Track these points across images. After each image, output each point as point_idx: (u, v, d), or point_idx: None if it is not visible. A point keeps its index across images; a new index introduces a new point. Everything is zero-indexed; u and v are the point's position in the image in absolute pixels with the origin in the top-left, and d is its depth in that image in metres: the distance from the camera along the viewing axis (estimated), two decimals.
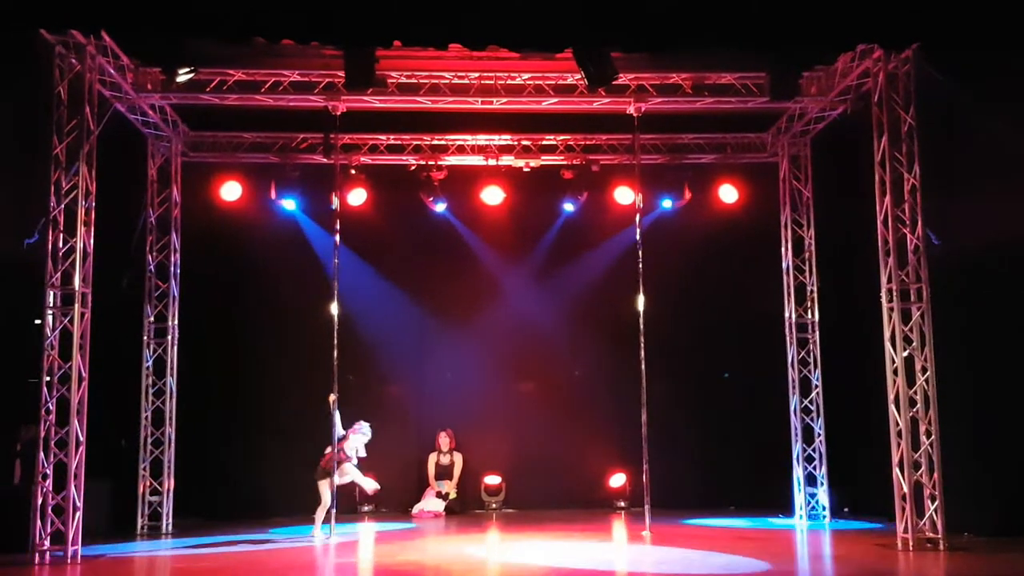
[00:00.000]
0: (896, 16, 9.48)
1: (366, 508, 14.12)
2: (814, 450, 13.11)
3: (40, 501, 9.65)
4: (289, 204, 13.97)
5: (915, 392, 10.14)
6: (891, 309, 10.34)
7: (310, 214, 14.07)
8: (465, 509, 14.33)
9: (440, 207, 14.16)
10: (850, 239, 12.33)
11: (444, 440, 14.44)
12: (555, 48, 10.38)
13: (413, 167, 13.88)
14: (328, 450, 11.36)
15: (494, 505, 14.53)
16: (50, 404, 9.85)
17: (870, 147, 10.67)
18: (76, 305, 9.99)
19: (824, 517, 12.81)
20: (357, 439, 11.53)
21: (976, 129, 10.16)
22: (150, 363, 12.79)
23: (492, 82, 11.66)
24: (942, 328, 10.19)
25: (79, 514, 9.79)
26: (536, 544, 10.97)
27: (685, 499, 13.64)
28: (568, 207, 14.23)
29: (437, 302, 14.78)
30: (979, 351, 10.52)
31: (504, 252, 14.98)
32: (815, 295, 13.38)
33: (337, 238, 11.84)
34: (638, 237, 11.87)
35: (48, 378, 9.89)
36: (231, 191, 13.86)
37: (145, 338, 12.79)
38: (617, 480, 14.51)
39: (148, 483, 12.51)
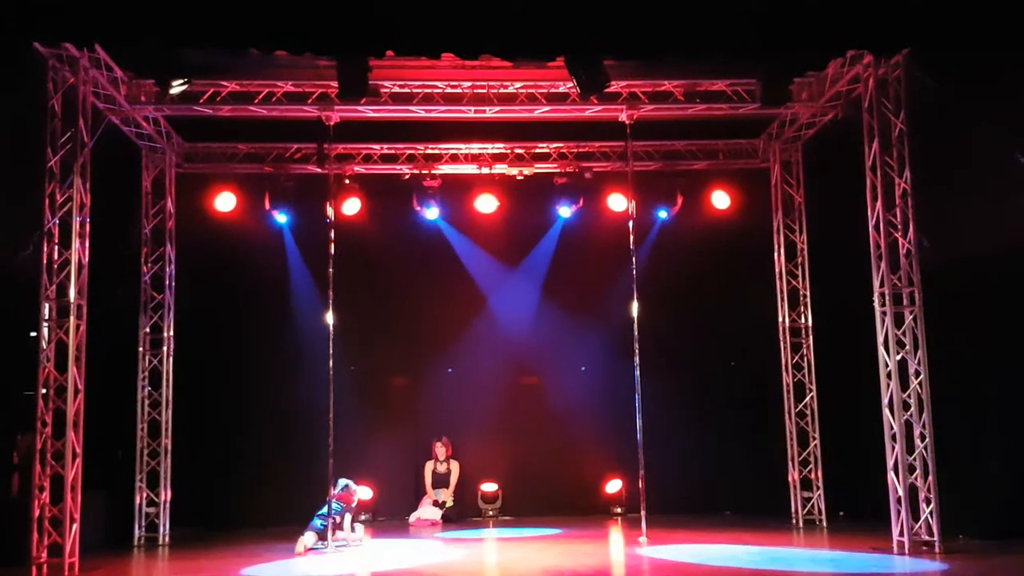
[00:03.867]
0: (886, 21, 9.56)
1: (363, 517, 14.11)
2: (809, 454, 13.15)
3: (37, 513, 9.64)
4: (281, 218, 13.99)
5: (909, 395, 10.19)
6: (884, 313, 10.39)
7: (304, 223, 14.07)
8: (462, 517, 14.34)
9: (433, 213, 14.15)
10: (842, 243, 12.38)
11: (440, 449, 14.46)
12: (547, 57, 10.46)
13: (407, 176, 13.93)
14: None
15: (491, 513, 14.54)
16: (46, 416, 9.85)
17: (861, 152, 10.73)
18: (71, 317, 10.00)
19: (820, 521, 12.86)
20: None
21: (967, 133, 10.22)
22: (146, 374, 12.79)
23: (485, 91, 11.72)
24: (935, 331, 10.25)
25: (76, 526, 9.79)
26: (533, 550, 10.99)
27: (681, 504, 13.67)
28: (564, 212, 14.26)
29: (433, 310, 14.80)
30: (972, 353, 10.58)
31: (498, 260, 15.03)
32: (808, 299, 13.45)
33: (332, 248, 11.84)
34: (631, 244, 11.91)
35: (44, 390, 9.89)
36: (225, 202, 13.86)
37: (140, 349, 12.79)
38: (613, 486, 14.54)
39: (145, 494, 12.51)
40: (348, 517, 11.55)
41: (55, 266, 10.11)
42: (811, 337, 13.39)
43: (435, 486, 14.42)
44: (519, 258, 15.04)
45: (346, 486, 11.68)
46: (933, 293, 10.29)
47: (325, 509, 11.27)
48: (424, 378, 14.92)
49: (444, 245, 14.73)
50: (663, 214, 14.39)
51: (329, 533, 11.08)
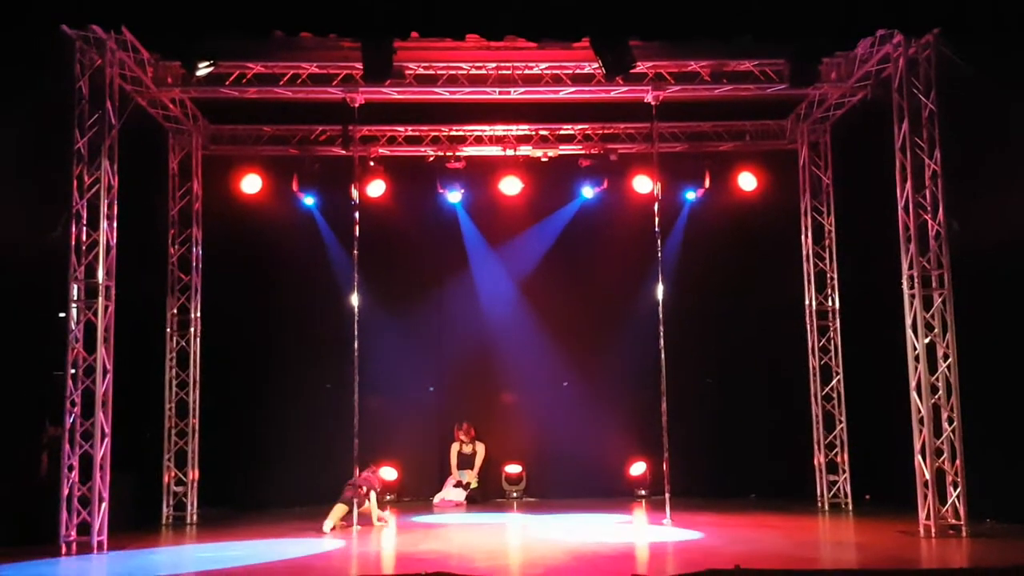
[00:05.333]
0: (916, 1, 9.42)
1: (388, 498, 14.18)
2: (835, 437, 13.09)
3: (67, 492, 9.78)
4: (309, 200, 14.05)
5: (937, 379, 10.10)
6: (912, 296, 10.30)
7: (329, 206, 14.11)
8: (486, 498, 14.39)
9: (455, 196, 14.16)
10: (871, 226, 12.26)
11: (461, 435, 14.48)
12: (572, 37, 10.39)
13: (431, 158, 13.92)
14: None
15: (515, 494, 14.58)
16: (75, 396, 9.97)
17: (891, 133, 10.61)
18: (100, 298, 10.09)
19: (846, 504, 12.80)
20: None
21: (998, 114, 10.05)
22: (173, 355, 12.90)
23: (510, 72, 11.68)
24: (964, 314, 10.14)
25: (105, 505, 9.91)
26: (557, 531, 11.02)
27: (706, 487, 13.63)
28: (587, 192, 14.22)
29: (458, 291, 14.82)
30: (1002, 337, 10.45)
31: (522, 242, 14.99)
32: (835, 282, 13.34)
33: (356, 230, 11.89)
34: (657, 227, 11.86)
35: (73, 371, 10.01)
36: (251, 184, 13.94)
37: (168, 330, 12.90)
38: (637, 468, 14.52)
39: (172, 474, 12.64)
40: (374, 497, 11.62)
41: (83, 247, 10.20)
42: (838, 320, 13.31)
43: (460, 467, 14.46)
44: (544, 239, 14.96)
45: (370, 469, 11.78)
46: (963, 276, 10.18)
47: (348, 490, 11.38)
48: (449, 359, 14.92)
49: (468, 226, 14.73)
50: (691, 195, 14.29)
51: (354, 514, 11.18)
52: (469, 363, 14.80)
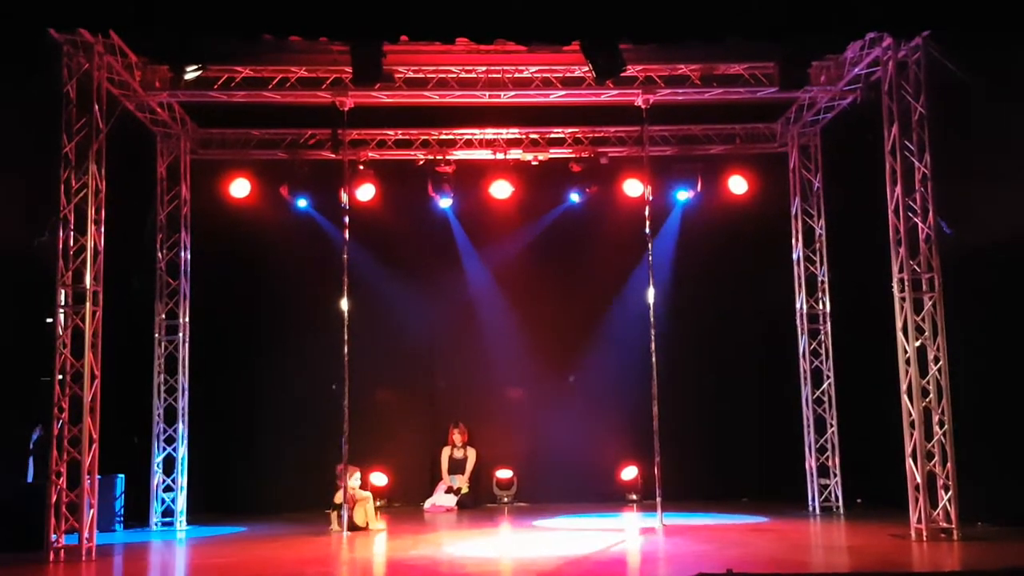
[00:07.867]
0: (906, 3, 9.44)
1: (378, 503, 14.11)
2: (827, 441, 13.09)
3: (54, 498, 9.70)
4: (302, 202, 14.01)
5: (928, 382, 10.10)
6: (903, 299, 10.29)
7: (319, 210, 14.09)
8: (477, 503, 14.34)
9: (446, 202, 14.15)
10: (861, 229, 12.27)
11: (456, 436, 14.45)
12: (562, 41, 10.38)
13: (421, 162, 13.89)
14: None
15: (506, 499, 14.54)
16: (63, 402, 9.88)
17: (881, 136, 10.61)
18: (87, 303, 10.02)
19: (837, 508, 12.79)
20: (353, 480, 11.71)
21: (988, 116, 10.09)
22: (161, 360, 12.81)
23: (500, 76, 11.67)
24: (955, 317, 10.14)
25: (93, 511, 9.84)
26: (548, 536, 10.98)
27: (697, 491, 13.62)
28: (574, 197, 14.20)
29: (448, 296, 14.78)
30: (992, 340, 10.46)
31: (513, 246, 14.95)
32: (826, 285, 13.35)
33: (346, 234, 11.85)
34: (647, 230, 11.85)
35: (60, 376, 9.92)
36: (240, 188, 13.88)
37: (156, 336, 12.81)
38: (629, 473, 14.49)
39: (161, 479, 12.56)
40: (370, 503, 11.63)
41: (71, 252, 10.13)
42: (829, 323, 13.31)
43: (451, 472, 14.41)
44: (534, 243, 14.90)
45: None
46: (953, 279, 10.18)
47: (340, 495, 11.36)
48: (441, 363, 14.90)
49: (458, 230, 14.70)
50: (681, 195, 14.27)
51: (345, 520, 11.15)
52: (460, 368, 14.79)
